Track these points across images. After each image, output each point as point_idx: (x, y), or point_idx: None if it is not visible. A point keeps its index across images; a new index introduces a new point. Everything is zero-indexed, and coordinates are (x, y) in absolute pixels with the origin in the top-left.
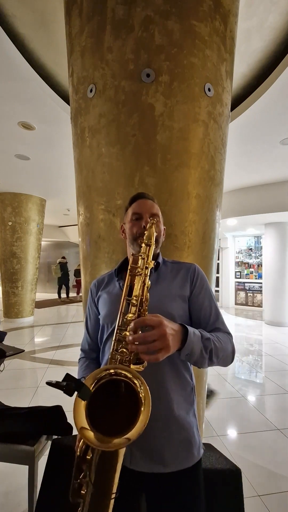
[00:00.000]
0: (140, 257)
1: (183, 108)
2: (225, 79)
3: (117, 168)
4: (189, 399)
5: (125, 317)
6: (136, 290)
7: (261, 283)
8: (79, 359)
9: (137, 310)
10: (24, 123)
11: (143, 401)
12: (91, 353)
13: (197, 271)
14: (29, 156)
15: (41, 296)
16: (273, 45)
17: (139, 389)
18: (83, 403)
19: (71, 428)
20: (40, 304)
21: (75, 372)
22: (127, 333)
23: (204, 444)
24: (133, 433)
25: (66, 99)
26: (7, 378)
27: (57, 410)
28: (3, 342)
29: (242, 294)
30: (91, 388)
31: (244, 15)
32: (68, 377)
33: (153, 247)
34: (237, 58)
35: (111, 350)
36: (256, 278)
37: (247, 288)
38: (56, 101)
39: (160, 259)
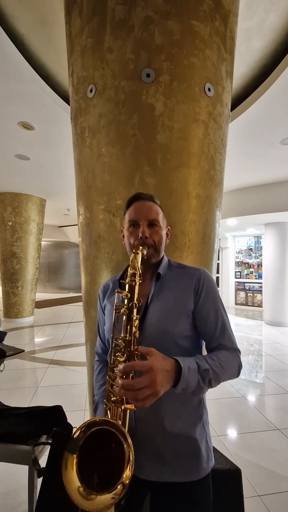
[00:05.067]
0: (124, 296)
1: (183, 108)
2: (225, 79)
3: (117, 168)
4: (196, 412)
5: (115, 356)
6: (124, 331)
7: (261, 283)
8: (95, 362)
9: (126, 351)
10: (24, 123)
11: (127, 456)
12: (104, 356)
13: (202, 279)
14: (29, 156)
15: (41, 296)
16: (273, 45)
17: (124, 444)
18: (74, 458)
19: (71, 428)
20: (40, 304)
21: (74, 372)
22: (117, 375)
23: None
24: (116, 492)
25: (66, 99)
26: (7, 378)
27: (57, 410)
28: (3, 342)
29: (242, 294)
30: (79, 441)
31: (244, 15)
32: (55, 434)
33: (137, 285)
34: (237, 58)
35: (106, 387)
36: (256, 278)
37: (247, 288)
38: (56, 101)
39: (162, 267)
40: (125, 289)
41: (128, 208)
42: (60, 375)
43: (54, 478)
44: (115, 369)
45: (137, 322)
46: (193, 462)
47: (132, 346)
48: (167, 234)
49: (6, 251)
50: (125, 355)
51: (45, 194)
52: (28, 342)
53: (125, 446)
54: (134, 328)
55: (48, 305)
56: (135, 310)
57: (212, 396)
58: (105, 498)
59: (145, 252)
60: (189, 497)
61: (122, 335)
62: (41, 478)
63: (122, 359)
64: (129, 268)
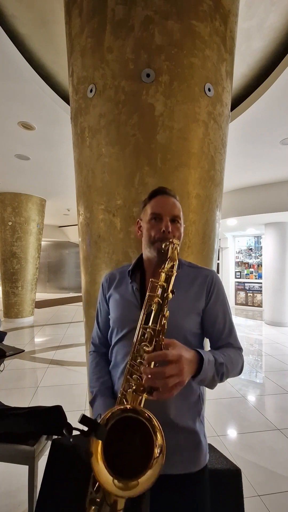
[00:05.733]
0: (159, 286)
1: (183, 108)
2: (225, 79)
3: (117, 168)
4: (195, 407)
5: (141, 345)
6: (154, 320)
7: (261, 283)
8: (90, 353)
9: (154, 340)
10: (24, 123)
11: (155, 440)
12: (101, 348)
13: (214, 281)
14: (29, 156)
15: (41, 296)
16: (273, 45)
17: (151, 429)
18: (99, 446)
19: (71, 428)
20: (40, 304)
21: (74, 372)
22: (143, 364)
23: None
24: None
25: (66, 99)
26: (7, 378)
27: (57, 410)
28: (3, 342)
29: (242, 294)
30: (106, 428)
31: (244, 15)
32: (84, 419)
33: (174, 276)
34: (237, 58)
35: (124, 376)
36: (256, 278)
37: (247, 288)
38: (56, 101)
39: (176, 264)
40: (159, 279)
41: (151, 200)
42: (60, 375)
43: (54, 478)
44: (137, 358)
45: (167, 313)
46: (194, 454)
47: (160, 336)
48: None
49: (6, 251)
50: (152, 344)
51: (45, 194)
52: (28, 342)
53: (150, 419)
54: (164, 320)
55: (48, 305)
56: (168, 302)
57: (212, 396)
58: (148, 474)
59: (179, 244)
60: (187, 487)
61: (151, 325)
62: (41, 478)
63: (149, 349)
64: (167, 261)
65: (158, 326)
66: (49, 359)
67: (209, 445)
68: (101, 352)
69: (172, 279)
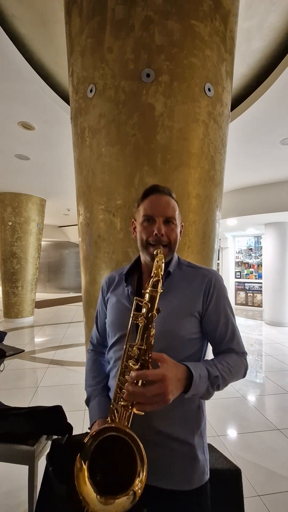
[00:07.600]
0: (144, 305)
1: (183, 108)
2: (225, 79)
3: (117, 168)
4: (194, 418)
5: (128, 362)
6: (140, 339)
7: (261, 283)
8: (88, 351)
9: (140, 359)
10: (24, 123)
11: (138, 460)
12: (100, 347)
13: (213, 282)
14: (29, 156)
15: (41, 296)
16: (273, 45)
17: (134, 449)
18: (84, 467)
19: (71, 428)
20: (40, 304)
21: (74, 372)
22: (127, 380)
23: None
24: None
25: (66, 99)
26: (7, 378)
27: (57, 410)
28: (3, 342)
29: (242, 294)
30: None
31: (244, 15)
32: (69, 440)
33: (158, 295)
34: (237, 58)
35: (115, 389)
36: (256, 278)
37: (247, 288)
38: (56, 101)
39: (172, 265)
40: (144, 297)
41: (144, 200)
42: (60, 375)
43: (54, 478)
44: (126, 373)
45: (153, 331)
46: (187, 471)
47: (146, 355)
48: (180, 231)
49: (6, 251)
50: (138, 363)
51: (45, 194)
52: (28, 342)
53: (138, 447)
54: (150, 338)
55: (48, 305)
56: (153, 320)
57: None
58: (123, 500)
59: (163, 260)
60: (182, 506)
61: (137, 342)
62: (41, 478)
63: (136, 367)
64: (151, 278)
65: (144, 345)
66: (49, 359)
67: (209, 445)
68: (99, 351)
69: (157, 298)
